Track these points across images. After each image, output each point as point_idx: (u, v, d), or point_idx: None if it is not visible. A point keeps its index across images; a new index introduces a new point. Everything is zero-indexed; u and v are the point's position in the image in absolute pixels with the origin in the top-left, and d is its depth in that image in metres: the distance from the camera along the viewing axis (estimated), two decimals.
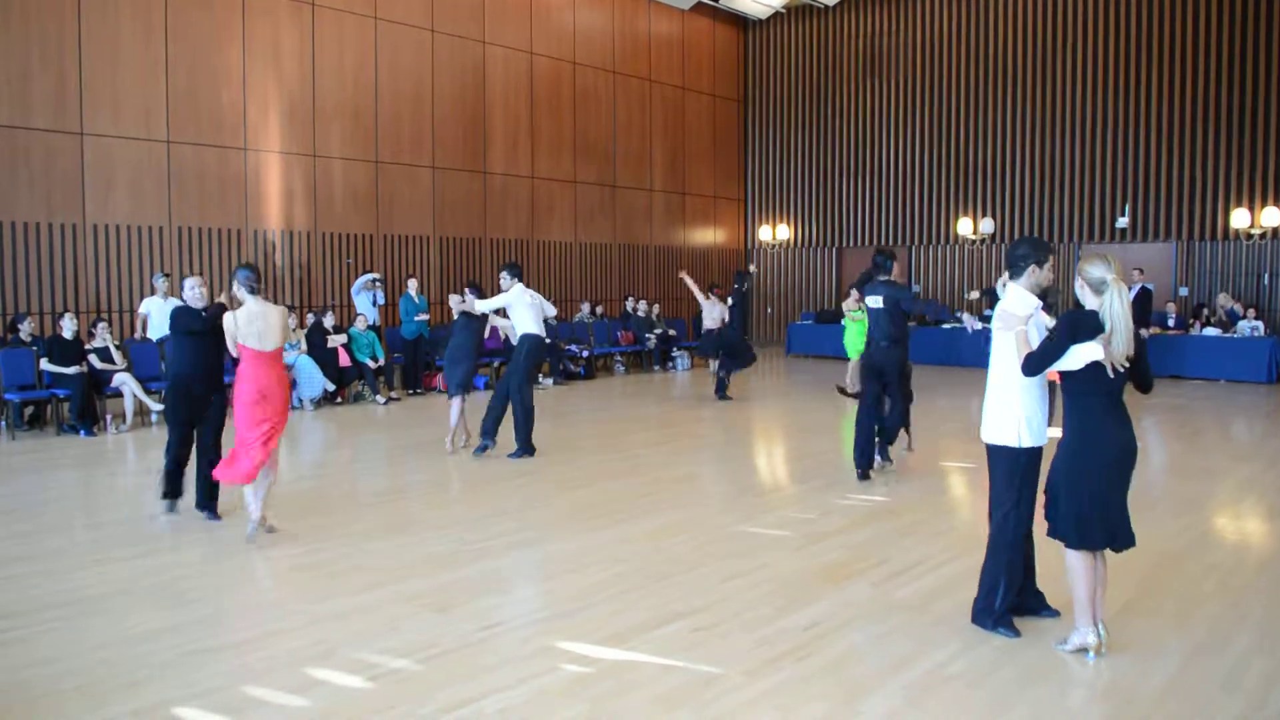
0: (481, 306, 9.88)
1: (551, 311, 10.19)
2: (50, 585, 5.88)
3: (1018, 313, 4.78)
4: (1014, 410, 4.84)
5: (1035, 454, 4.90)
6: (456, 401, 10.10)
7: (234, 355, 6.94)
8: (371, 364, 14.24)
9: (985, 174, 21.44)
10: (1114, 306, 4.38)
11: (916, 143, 22.25)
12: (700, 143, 23.52)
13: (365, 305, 15.79)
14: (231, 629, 5.17)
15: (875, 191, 22.95)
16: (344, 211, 16.52)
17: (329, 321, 14.19)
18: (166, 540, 6.85)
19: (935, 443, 10.30)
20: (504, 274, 9.95)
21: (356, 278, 16.18)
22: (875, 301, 8.49)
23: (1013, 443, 4.85)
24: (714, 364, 14.79)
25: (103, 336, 12.13)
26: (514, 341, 9.71)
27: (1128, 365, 4.48)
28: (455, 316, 10.16)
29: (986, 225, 21.10)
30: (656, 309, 19.89)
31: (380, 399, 13.98)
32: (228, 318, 6.85)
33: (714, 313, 14.40)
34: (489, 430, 9.74)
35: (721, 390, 14.12)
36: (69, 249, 13.81)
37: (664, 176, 22.46)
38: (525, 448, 9.70)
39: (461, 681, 4.49)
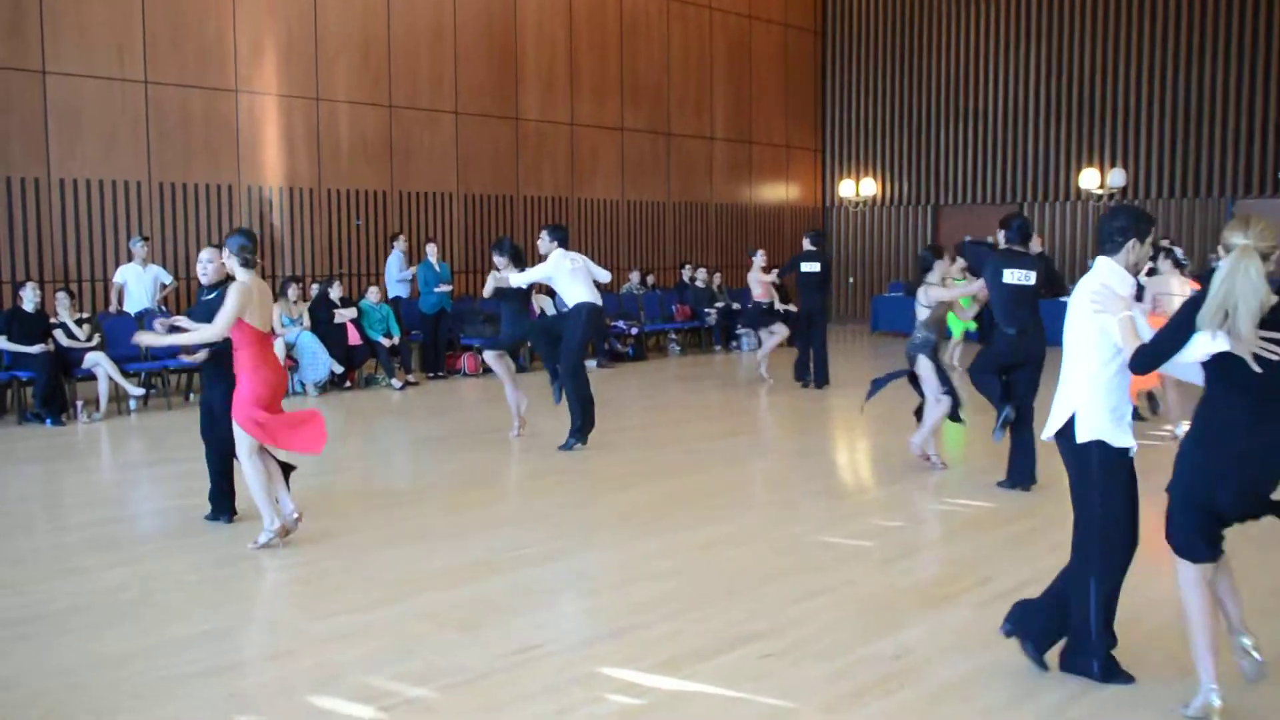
0: (516, 280, 10.02)
1: (603, 276, 10.31)
2: (10, 599, 5.91)
3: (1120, 291, 4.58)
4: (1098, 403, 4.66)
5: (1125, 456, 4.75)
6: (508, 383, 10.36)
7: (220, 337, 6.86)
8: (385, 342, 14.41)
9: (1115, 115, 21.08)
10: (1230, 280, 4.11)
11: (1030, 78, 21.91)
12: (770, 82, 23.42)
13: (396, 280, 15.98)
14: (220, 651, 5.19)
15: (979, 138, 22.70)
16: (352, 165, 16.74)
17: (336, 293, 14.28)
18: (148, 546, 6.92)
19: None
20: (544, 236, 10.13)
21: (388, 250, 16.33)
22: (1018, 276, 8.10)
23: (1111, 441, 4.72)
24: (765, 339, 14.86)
25: (62, 311, 12.02)
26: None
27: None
28: (486, 295, 10.29)
29: (1116, 177, 20.71)
30: (718, 279, 19.99)
31: (395, 383, 14.14)
32: (236, 289, 6.74)
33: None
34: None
35: (803, 374, 14.27)
36: (30, 208, 13.93)
37: (727, 122, 22.44)
38: (579, 436, 9.96)
39: (490, 713, 4.47)
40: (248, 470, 6.83)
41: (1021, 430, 8.24)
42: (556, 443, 10.11)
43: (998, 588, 5.98)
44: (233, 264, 6.85)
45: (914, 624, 5.46)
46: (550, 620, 5.58)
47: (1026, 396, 8.23)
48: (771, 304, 14.86)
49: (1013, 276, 8.12)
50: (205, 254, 7.37)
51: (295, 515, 6.93)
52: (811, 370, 14.10)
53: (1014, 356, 8.13)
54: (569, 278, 9.84)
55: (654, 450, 10.02)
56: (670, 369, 16.65)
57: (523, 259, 10.37)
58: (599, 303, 9.92)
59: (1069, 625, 4.87)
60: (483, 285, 11.23)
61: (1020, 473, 8.30)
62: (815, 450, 10.26)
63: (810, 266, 13.86)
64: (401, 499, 8.18)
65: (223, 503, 7.44)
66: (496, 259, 10.23)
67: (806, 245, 13.98)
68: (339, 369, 13.72)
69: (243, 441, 6.81)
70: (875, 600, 5.83)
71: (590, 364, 16.30)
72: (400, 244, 15.94)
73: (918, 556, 6.67)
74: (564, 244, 10.04)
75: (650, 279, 19.75)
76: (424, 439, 10.84)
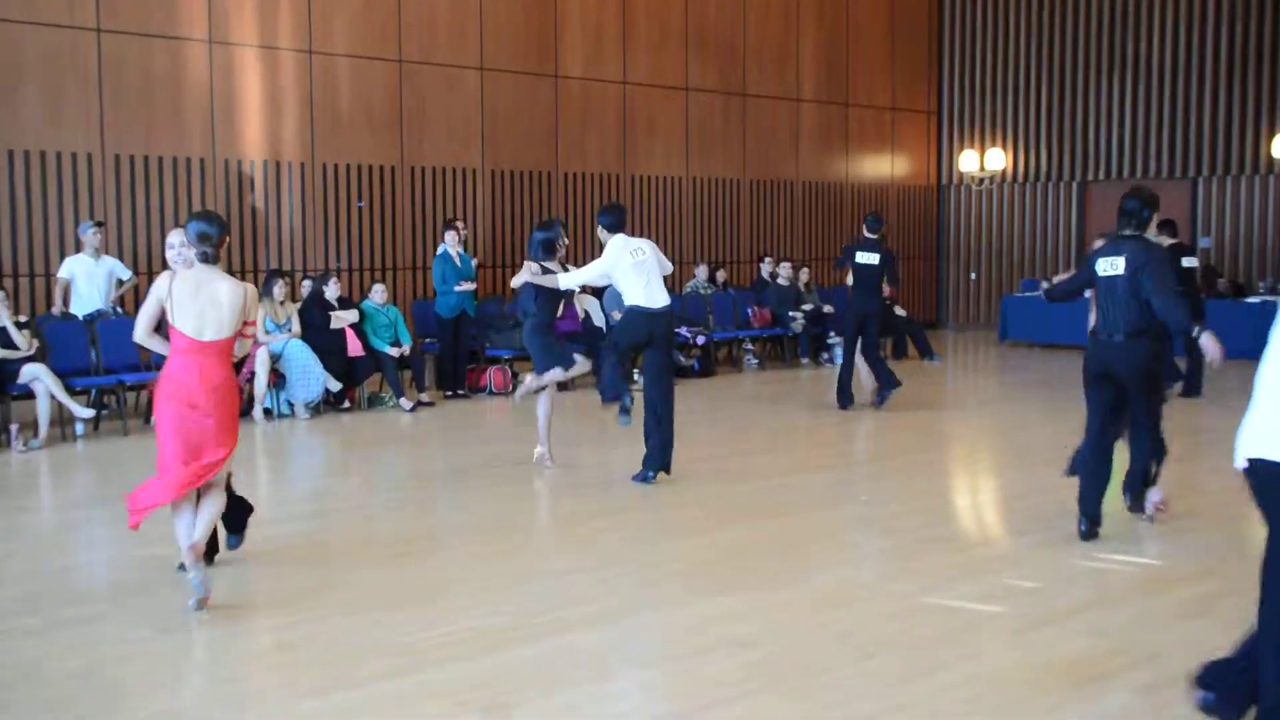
0: (568, 281, 10.13)
1: (669, 268, 10.32)
2: None
3: None
4: None
5: None
6: (544, 400, 10.47)
7: (140, 340, 7.00)
8: (393, 353, 14.47)
9: None
10: None
11: (1201, 25, 21.64)
12: (873, 29, 23.41)
13: (443, 288, 15.93)
14: None
15: (1140, 98, 22.49)
16: (353, 134, 17.06)
17: (332, 292, 14.40)
18: (97, 605, 6.89)
19: (1217, 473, 10.05)
20: (600, 224, 10.15)
21: (436, 239, 16.31)
22: (1115, 266, 8.13)
23: None
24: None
25: None
26: (596, 321, 9.80)
27: None
28: (517, 288, 10.29)
29: None
30: (805, 275, 19.96)
31: (405, 403, 14.19)
32: (158, 281, 6.83)
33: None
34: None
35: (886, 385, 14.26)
36: None
37: (817, 80, 22.50)
38: (658, 465, 10.07)
39: None
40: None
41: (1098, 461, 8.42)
42: (603, 475, 10.16)
43: (1167, 668, 5.80)
44: (189, 255, 6.90)
45: (1058, 711, 5.40)
46: (595, 699, 5.53)
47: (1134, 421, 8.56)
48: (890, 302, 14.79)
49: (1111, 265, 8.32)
50: (174, 237, 7.27)
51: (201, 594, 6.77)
52: (852, 388, 14.08)
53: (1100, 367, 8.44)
54: (633, 274, 9.84)
55: (727, 486, 10.05)
56: (745, 386, 16.74)
57: (557, 252, 10.41)
58: (655, 305, 9.83)
59: (1261, 701, 4.79)
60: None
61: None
62: (928, 488, 10.24)
63: (867, 258, 13.79)
64: (412, 547, 8.20)
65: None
66: (533, 248, 10.27)
67: (865, 232, 13.99)
68: (335, 386, 13.80)
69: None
70: (1008, 680, 5.77)
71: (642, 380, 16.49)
72: (456, 234, 15.67)
73: (1062, 625, 6.54)
74: (622, 228, 10.06)
75: (721, 275, 19.77)
76: (440, 472, 10.96)
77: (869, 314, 13.87)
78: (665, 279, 10.00)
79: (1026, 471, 10.61)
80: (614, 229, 9.96)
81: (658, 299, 9.89)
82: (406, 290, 17.53)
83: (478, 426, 13.63)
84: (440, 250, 15.56)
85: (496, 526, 8.81)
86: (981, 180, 24.27)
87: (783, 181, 22.14)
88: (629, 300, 9.92)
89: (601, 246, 10.11)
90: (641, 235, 18.88)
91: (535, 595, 7.05)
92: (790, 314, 18.90)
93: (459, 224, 15.68)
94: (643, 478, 9.99)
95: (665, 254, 18.97)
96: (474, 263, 16.06)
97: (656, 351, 9.98)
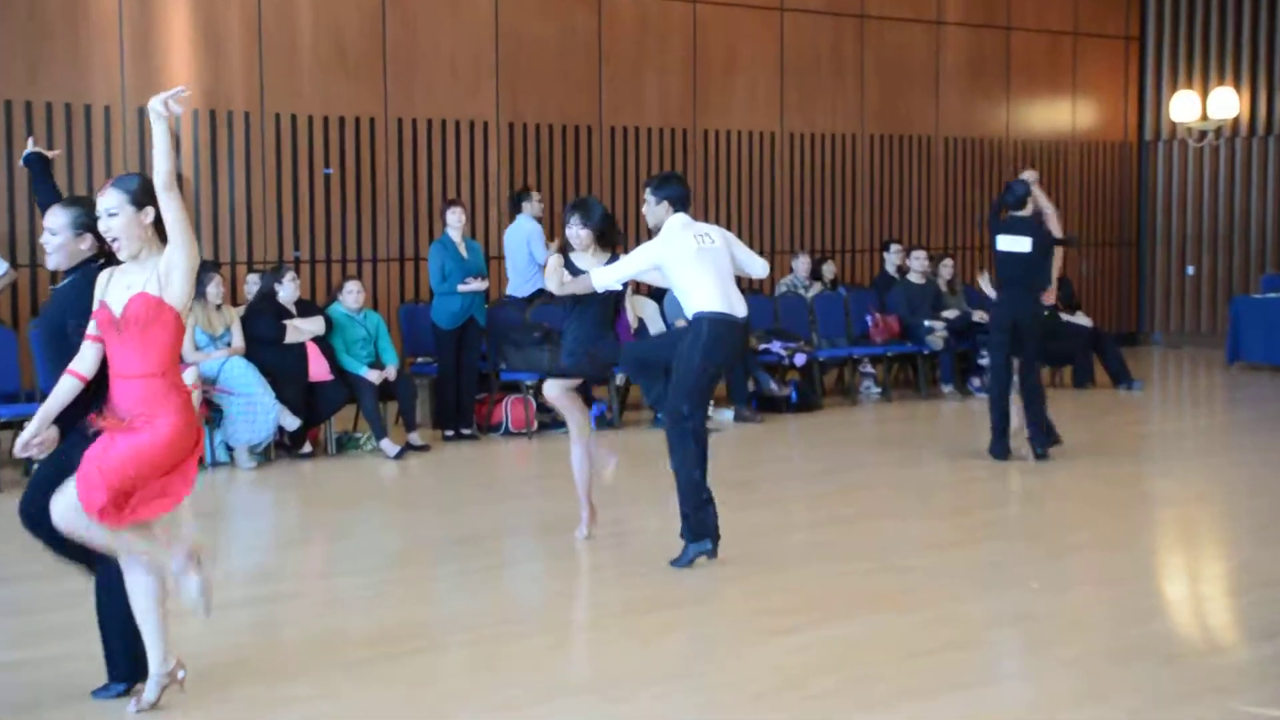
0: (603, 279, 10.02)
1: (757, 268, 10.27)
2: None
3: None
4: None
5: None
6: (578, 446, 10.55)
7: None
8: (373, 376, 14.64)
9: None
10: None
11: None
12: None
13: (525, 279, 16.09)
14: None
15: None
16: (319, 76, 17.35)
17: (288, 292, 14.54)
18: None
19: None
20: (650, 198, 10.10)
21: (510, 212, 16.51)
22: None
23: None
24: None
25: None
26: (654, 331, 9.82)
27: None
28: (550, 289, 10.35)
29: None
30: (949, 269, 19.89)
31: (390, 447, 14.38)
32: (102, 276, 7.03)
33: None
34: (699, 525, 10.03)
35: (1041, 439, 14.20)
36: None
37: None
38: (701, 535, 9.88)
39: None
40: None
41: None
42: (663, 547, 10.07)
43: None
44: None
45: None
46: None
47: None
48: (1053, 310, 14.76)
49: None
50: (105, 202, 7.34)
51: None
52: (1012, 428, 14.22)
53: None
54: (694, 266, 9.81)
55: (834, 566, 10.03)
56: (862, 425, 16.96)
57: (617, 238, 10.49)
58: (738, 313, 9.83)
59: None
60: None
61: None
62: (1122, 572, 10.16)
63: (1014, 244, 13.87)
64: (399, 648, 8.17)
65: (123, 662, 7.48)
66: (572, 231, 10.31)
67: (1009, 207, 14.02)
68: (292, 423, 13.91)
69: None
70: None
71: (723, 416, 16.79)
72: (461, 214, 15.72)
73: None
74: (683, 206, 10.04)
75: (829, 270, 19.86)
76: (438, 543, 10.99)
77: (1023, 324, 13.81)
78: (754, 281, 10.00)
79: (1264, 551, 10.53)
80: (675, 204, 9.92)
81: (738, 305, 9.88)
82: (392, 290, 17.77)
83: (489, 480, 13.77)
84: (440, 237, 15.74)
85: (514, 618, 8.84)
86: (1203, 134, 24.05)
87: (917, 138, 22.40)
88: (695, 305, 9.78)
89: (652, 231, 10.24)
90: (714, 220, 19.11)
91: (568, 715, 6.99)
92: (927, 324, 18.83)
93: (461, 203, 15.89)
94: (692, 558, 9.88)
95: (751, 241, 19.18)
96: (485, 254, 16.22)
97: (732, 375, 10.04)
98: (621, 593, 9.56)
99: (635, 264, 9.92)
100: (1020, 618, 8.96)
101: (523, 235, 16.32)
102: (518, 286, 16.17)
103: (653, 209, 9.97)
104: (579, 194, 17.89)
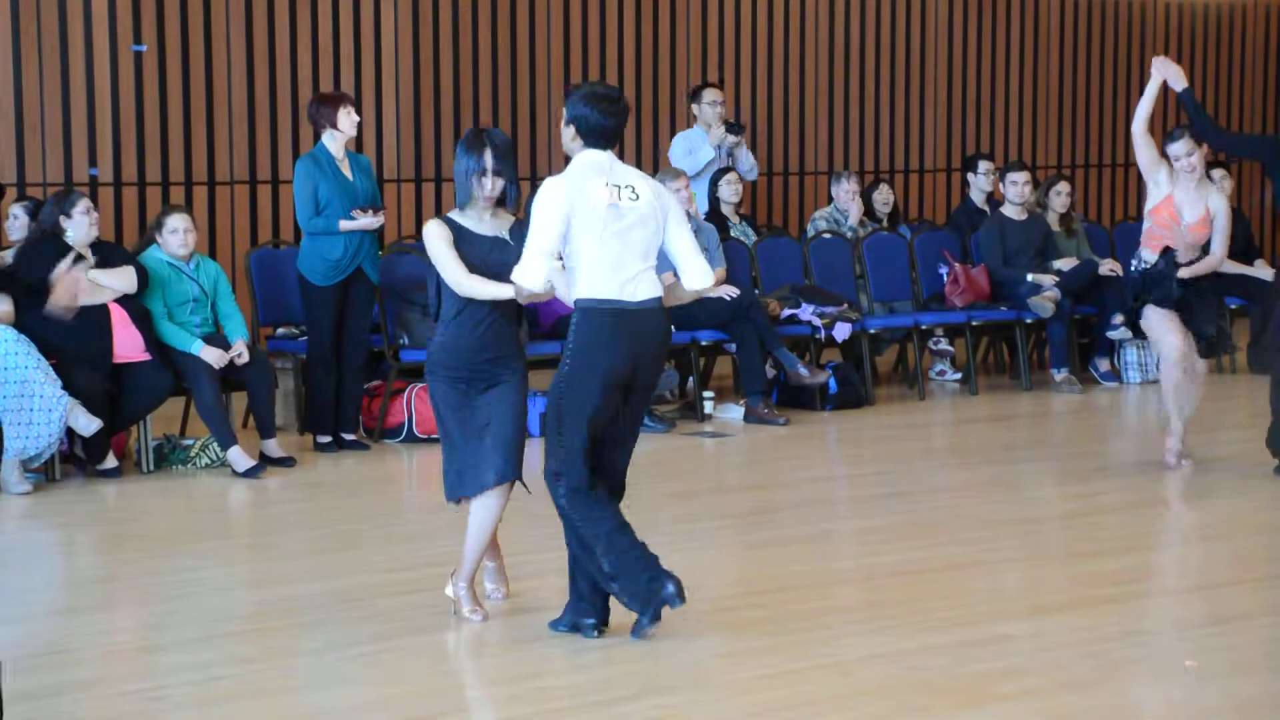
0: (529, 276, 9.66)
1: (696, 276, 10.04)
2: None
3: None
4: None
5: None
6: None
7: None
8: (210, 357, 14.49)
9: None
10: None
11: None
12: None
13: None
14: None
15: None
16: None
17: (80, 230, 14.37)
18: None
19: None
20: (568, 120, 9.94)
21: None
22: None
23: None
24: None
25: None
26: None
27: None
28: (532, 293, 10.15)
29: None
30: (1062, 196, 19.88)
31: (238, 459, 14.34)
32: None
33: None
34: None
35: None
36: None
37: None
38: (648, 601, 9.76)
39: None
40: None
41: None
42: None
43: None
44: None
45: None
46: None
47: None
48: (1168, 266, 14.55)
49: None
50: None
51: None
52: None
53: None
54: (591, 231, 9.75)
55: (897, 638, 9.70)
56: (933, 427, 17.07)
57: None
58: (638, 298, 9.80)
59: None
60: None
61: None
62: None
63: None
64: None
65: None
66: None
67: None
68: (89, 425, 13.61)
69: None
70: None
71: (730, 413, 16.48)
72: (348, 117, 15.56)
73: None
74: (603, 141, 9.86)
75: (883, 198, 20.00)
76: (306, 604, 10.65)
77: None
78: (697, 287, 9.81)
79: None
80: (591, 136, 9.85)
81: (637, 287, 9.80)
82: (239, 229, 18.09)
83: (383, 509, 13.63)
84: (312, 151, 15.59)
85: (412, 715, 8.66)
86: None
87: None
88: (580, 288, 9.86)
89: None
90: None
91: None
92: (1030, 279, 18.47)
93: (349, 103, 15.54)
94: (648, 626, 9.77)
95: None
96: (379, 175, 15.99)
97: (631, 404, 9.86)
98: (574, 677, 9.31)
99: (546, 231, 9.81)
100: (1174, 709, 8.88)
101: None
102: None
103: (564, 131, 9.97)
104: (513, 82, 17.99)
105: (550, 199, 9.80)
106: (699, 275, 10.13)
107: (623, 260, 9.86)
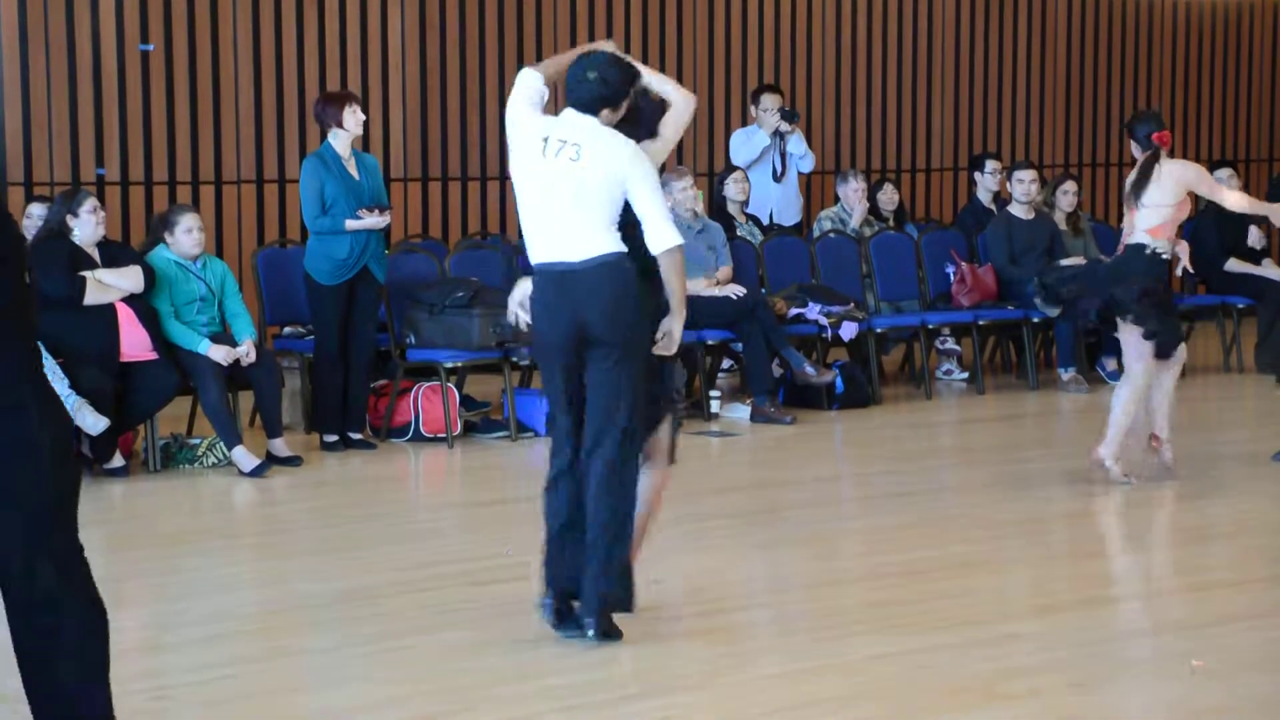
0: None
1: (660, 237, 9.61)
2: None
3: None
4: None
5: None
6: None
7: None
8: (217, 355, 14.48)
9: None
10: None
11: None
12: None
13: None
14: None
15: None
16: None
17: (88, 229, 14.37)
18: None
19: None
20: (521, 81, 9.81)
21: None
22: None
23: None
24: None
25: None
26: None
27: None
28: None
29: None
30: (1069, 194, 19.94)
31: (244, 459, 14.33)
32: None
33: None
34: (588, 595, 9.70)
35: None
36: None
37: None
38: (597, 607, 9.68)
39: None
40: None
41: None
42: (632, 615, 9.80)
43: None
44: None
45: None
46: None
47: None
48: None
49: None
50: None
51: None
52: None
53: None
54: (524, 184, 9.74)
55: (903, 639, 9.69)
56: (941, 427, 17.32)
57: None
58: (564, 260, 9.61)
59: None
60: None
61: None
62: None
63: None
64: None
65: None
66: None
67: None
68: (96, 424, 13.58)
69: None
70: None
71: (737, 413, 16.52)
72: (354, 117, 15.59)
73: None
74: (578, 104, 9.73)
75: (887, 197, 20.00)
76: (314, 604, 10.70)
77: None
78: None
79: None
80: (568, 96, 9.64)
81: (574, 249, 9.60)
82: (246, 228, 18.10)
83: (390, 508, 13.66)
84: (318, 150, 15.65)
85: (419, 714, 8.56)
86: None
87: None
88: (534, 255, 9.78)
89: None
90: (705, 131, 19.16)
91: None
92: (1041, 280, 18.75)
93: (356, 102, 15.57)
94: (568, 618, 9.77)
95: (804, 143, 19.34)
96: (387, 174, 15.99)
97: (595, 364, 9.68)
98: (581, 676, 9.21)
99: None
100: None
101: None
102: None
103: (522, 85, 9.87)
104: None
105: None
106: (658, 239, 9.73)
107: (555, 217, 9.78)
